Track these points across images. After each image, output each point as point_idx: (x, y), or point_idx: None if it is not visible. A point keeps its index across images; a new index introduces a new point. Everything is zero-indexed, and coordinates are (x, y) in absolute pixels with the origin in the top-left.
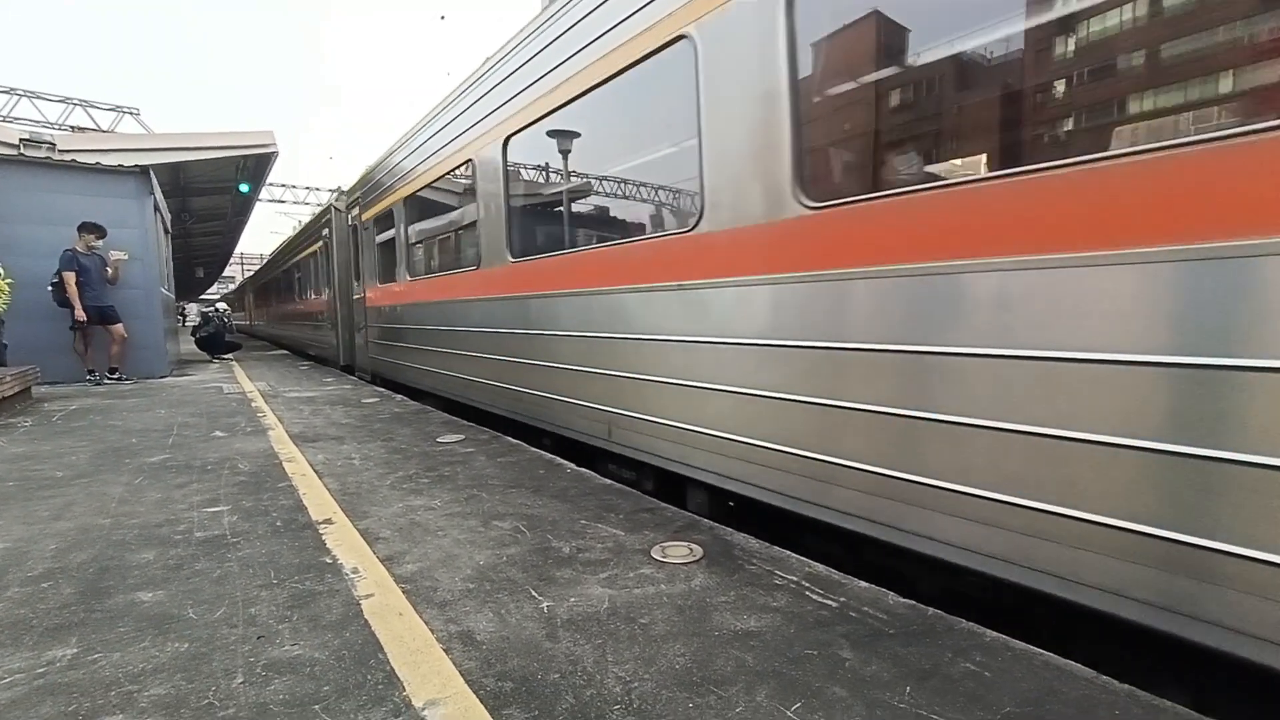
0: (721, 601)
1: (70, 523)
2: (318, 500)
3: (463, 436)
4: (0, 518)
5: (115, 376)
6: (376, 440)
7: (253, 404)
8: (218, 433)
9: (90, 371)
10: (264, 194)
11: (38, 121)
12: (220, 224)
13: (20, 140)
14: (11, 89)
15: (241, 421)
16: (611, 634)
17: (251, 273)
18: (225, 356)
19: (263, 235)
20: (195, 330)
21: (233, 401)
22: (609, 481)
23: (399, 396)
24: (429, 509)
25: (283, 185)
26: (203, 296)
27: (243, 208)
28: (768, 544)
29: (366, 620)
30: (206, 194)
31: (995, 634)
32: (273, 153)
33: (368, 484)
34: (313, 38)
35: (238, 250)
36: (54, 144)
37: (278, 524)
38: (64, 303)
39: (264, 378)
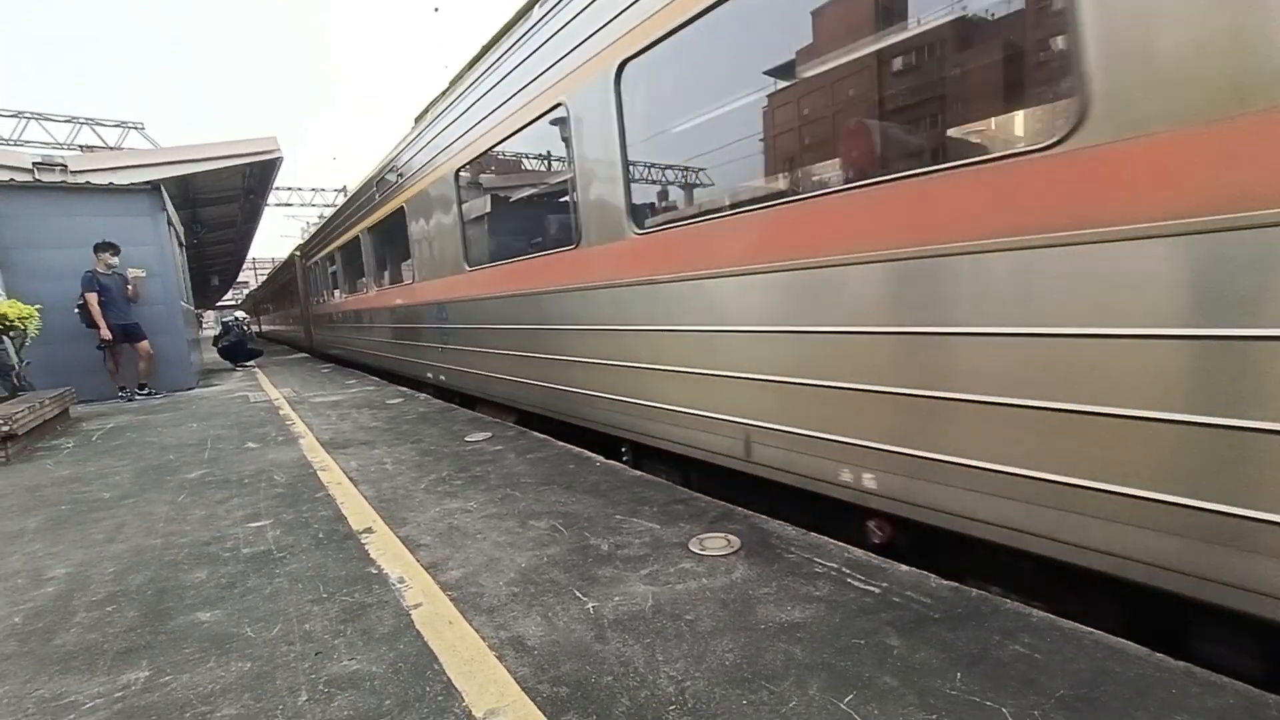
0: (764, 593)
1: (124, 544)
2: (356, 509)
3: (490, 434)
4: (60, 542)
5: (145, 392)
6: (406, 443)
7: (280, 411)
8: (250, 444)
9: (121, 389)
10: (271, 198)
11: (47, 143)
12: (231, 231)
13: (34, 164)
14: (19, 112)
15: (272, 431)
16: (659, 632)
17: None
18: (248, 364)
19: (272, 240)
20: (217, 340)
21: (260, 410)
22: (639, 473)
23: (422, 396)
24: (465, 511)
25: (289, 189)
26: (219, 304)
27: (252, 214)
28: (804, 531)
29: (418, 631)
30: (216, 203)
31: (1042, 613)
32: (278, 158)
33: (403, 489)
34: (308, 40)
35: (249, 256)
36: (66, 165)
37: (320, 536)
38: (91, 323)
39: (287, 384)
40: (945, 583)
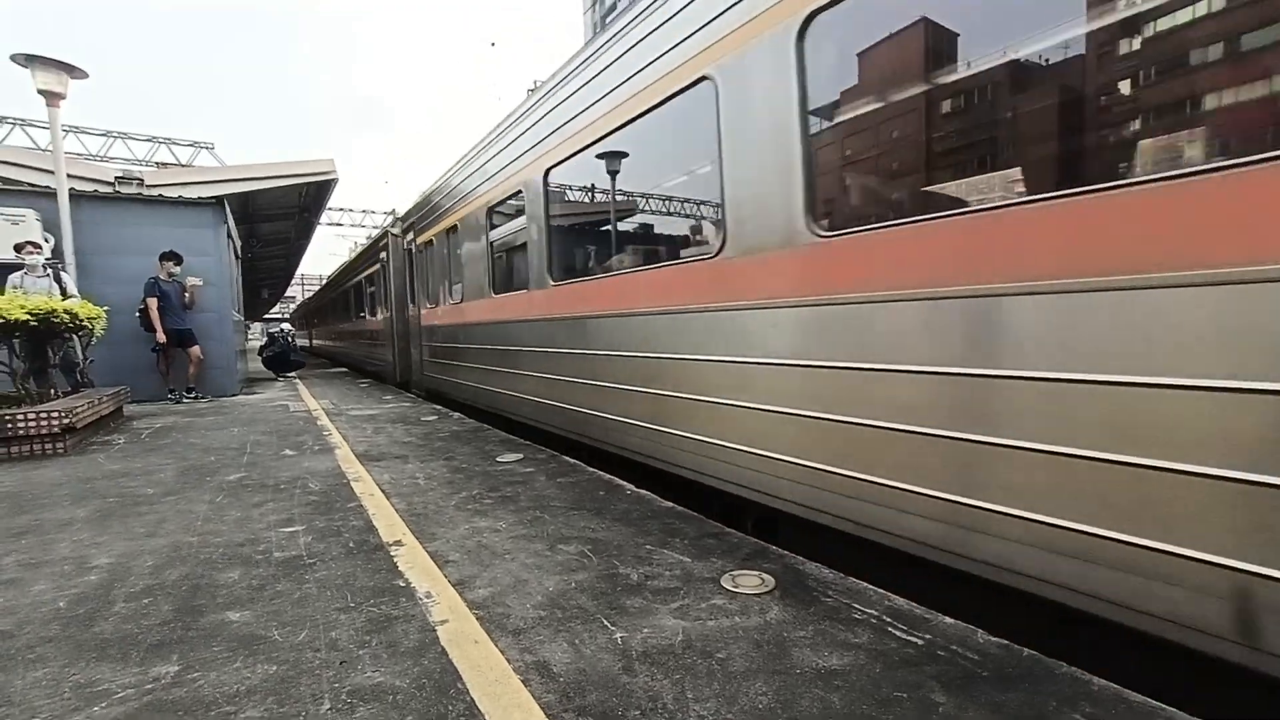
0: (800, 637)
1: (163, 539)
2: (387, 521)
3: (521, 456)
4: (105, 533)
5: (193, 395)
6: (439, 459)
7: (318, 422)
8: (288, 451)
9: (171, 390)
10: (323, 217)
11: (129, 160)
12: (284, 247)
13: (115, 178)
14: (108, 131)
15: (309, 440)
16: (689, 669)
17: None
18: (289, 375)
19: (320, 258)
20: (262, 350)
21: (299, 420)
22: (671, 504)
23: (456, 414)
24: (494, 531)
25: (340, 209)
26: (266, 316)
27: (304, 231)
28: (842, 575)
29: (444, 648)
30: (272, 219)
31: (1104, 682)
32: (333, 179)
33: (434, 504)
34: (363, 67)
35: (298, 272)
36: (142, 180)
37: (350, 545)
38: (149, 327)
39: (326, 395)
40: (994, 639)
